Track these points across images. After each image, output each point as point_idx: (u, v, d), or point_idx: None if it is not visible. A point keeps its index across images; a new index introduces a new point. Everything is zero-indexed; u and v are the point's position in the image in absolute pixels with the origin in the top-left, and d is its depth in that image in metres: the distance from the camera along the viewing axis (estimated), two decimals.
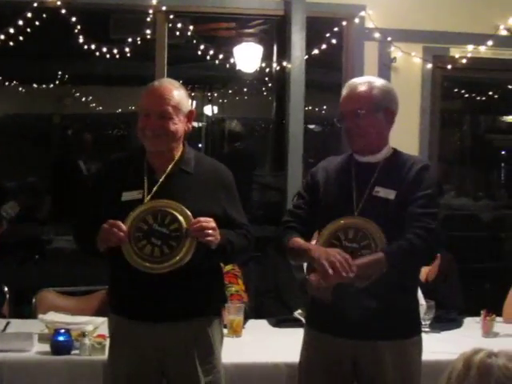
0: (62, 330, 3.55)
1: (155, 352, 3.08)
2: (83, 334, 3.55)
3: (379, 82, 3.12)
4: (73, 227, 3.29)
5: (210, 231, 2.95)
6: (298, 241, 3.08)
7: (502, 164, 9.15)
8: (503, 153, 9.20)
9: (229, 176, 3.22)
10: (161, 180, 3.09)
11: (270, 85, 7.97)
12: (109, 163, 3.32)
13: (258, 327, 4.19)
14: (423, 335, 3.19)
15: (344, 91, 3.10)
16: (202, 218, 2.96)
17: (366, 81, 3.10)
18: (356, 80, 3.14)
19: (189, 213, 2.98)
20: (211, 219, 2.97)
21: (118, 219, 2.99)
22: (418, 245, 2.93)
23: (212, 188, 3.13)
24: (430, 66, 5.36)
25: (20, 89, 8.81)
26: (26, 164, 8.16)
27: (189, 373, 3.08)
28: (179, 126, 3.08)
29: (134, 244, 3.00)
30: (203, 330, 3.11)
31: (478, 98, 8.76)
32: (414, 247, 2.93)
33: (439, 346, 3.70)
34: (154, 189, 3.07)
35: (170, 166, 3.11)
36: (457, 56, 5.39)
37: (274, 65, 5.94)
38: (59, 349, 3.52)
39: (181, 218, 2.99)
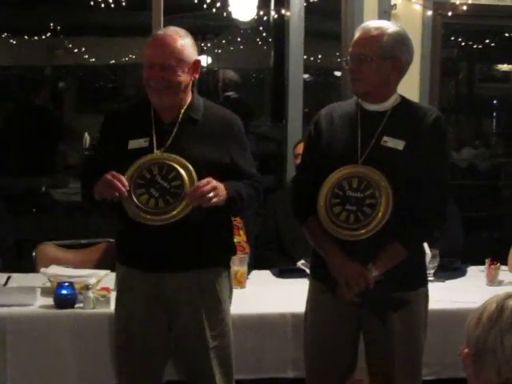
0: (66, 284, 3.52)
1: (162, 303, 3.06)
2: (87, 287, 3.52)
3: (393, 28, 2.99)
4: (80, 177, 3.25)
5: (210, 194, 2.88)
6: (317, 234, 3.04)
7: (494, 113, 9.12)
8: (495, 102, 9.17)
9: (238, 124, 3.16)
10: (169, 128, 3.04)
11: (264, 34, 7.87)
12: (113, 113, 3.26)
13: (262, 278, 4.18)
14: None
15: (356, 33, 3.03)
16: (200, 183, 2.89)
17: (378, 26, 2.99)
18: (369, 23, 3.04)
19: (195, 175, 2.93)
20: (211, 179, 2.90)
21: (124, 167, 2.96)
22: (435, 224, 3.08)
23: (220, 136, 3.07)
24: (430, 12, 5.28)
25: (11, 40, 8.67)
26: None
27: (195, 325, 3.07)
28: (183, 77, 3.00)
29: (132, 190, 2.96)
30: (211, 281, 3.09)
31: (475, 46, 8.69)
32: (430, 229, 3.08)
33: (444, 295, 3.72)
34: (155, 137, 3.01)
35: (181, 115, 3.06)
36: (457, 2, 5.30)
37: (272, 13, 5.86)
38: (63, 302, 3.50)
39: (185, 177, 2.94)
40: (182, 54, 2.99)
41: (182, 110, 3.07)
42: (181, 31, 3.05)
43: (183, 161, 2.96)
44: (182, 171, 2.95)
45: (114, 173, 2.93)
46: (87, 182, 3.09)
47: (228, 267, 3.21)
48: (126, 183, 2.92)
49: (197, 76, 3.10)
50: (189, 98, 3.10)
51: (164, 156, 2.99)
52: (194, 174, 2.94)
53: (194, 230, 2.99)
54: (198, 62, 3.07)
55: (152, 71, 2.99)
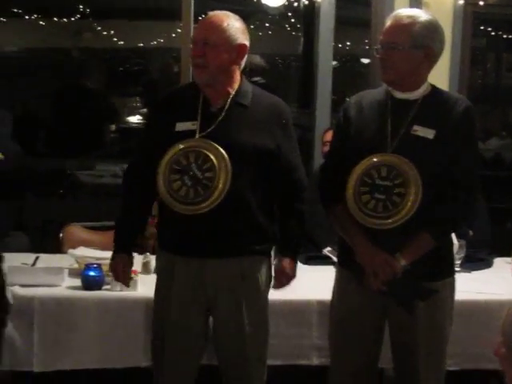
0: (93, 265, 3.55)
1: (203, 288, 3.05)
2: None
3: (425, 17, 2.96)
4: (125, 172, 3.27)
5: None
6: (345, 222, 3.03)
7: None
8: None
9: (286, 112, 3.15)
10: (217, 113, 3.03)
11: (293, 20, 7.86)
12: (162, 97, 3.27)
13: None
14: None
15: (387, 21, 2.99)
16: (284, 281, 3.20)
17: (410, 14, 2.96)
18: (401, 12, 3.01)
19: (229, 168, 2.92)
20: (290, 278, 3.21)
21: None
22: (464, 214, 3.04)
23: (268, 122, 3.05)
24: (461, 1, 5.24)
25: (40, 22, 8.70)
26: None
27: (234, 312, 3.07)
28: (221, 56, 2.97)
29: (167, 174, 2.97)
30: (252, 269, 3.08)
31: (504, 36, 8.63)
32: (459, 218, 3.05)
33: (471, 286, 3.70)
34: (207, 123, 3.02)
35: (229, 100, 3.04)
36: None
37: None
38: (90, 284, 3.53)
39: (219, 170, 2.92)
40: (224, 33, 2.97)
41: (231, 96, 3.05)
42: (232, 15, 3.05)
43: (221, 151, 2.94)
44: (216, 163, 2.93)
45: (122, 266, 3.17)
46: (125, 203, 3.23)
47: (269, 256, 3.19)
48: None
49: (242, 62, 3.06)
50: (236, 84, 3.07)
51: (203, 144, 2.97)
52: (229, 166, 2.92)
53: (237, 217, 2.99)
54: (243, 46, 3.02)
55: (195, 48, 3.00)
